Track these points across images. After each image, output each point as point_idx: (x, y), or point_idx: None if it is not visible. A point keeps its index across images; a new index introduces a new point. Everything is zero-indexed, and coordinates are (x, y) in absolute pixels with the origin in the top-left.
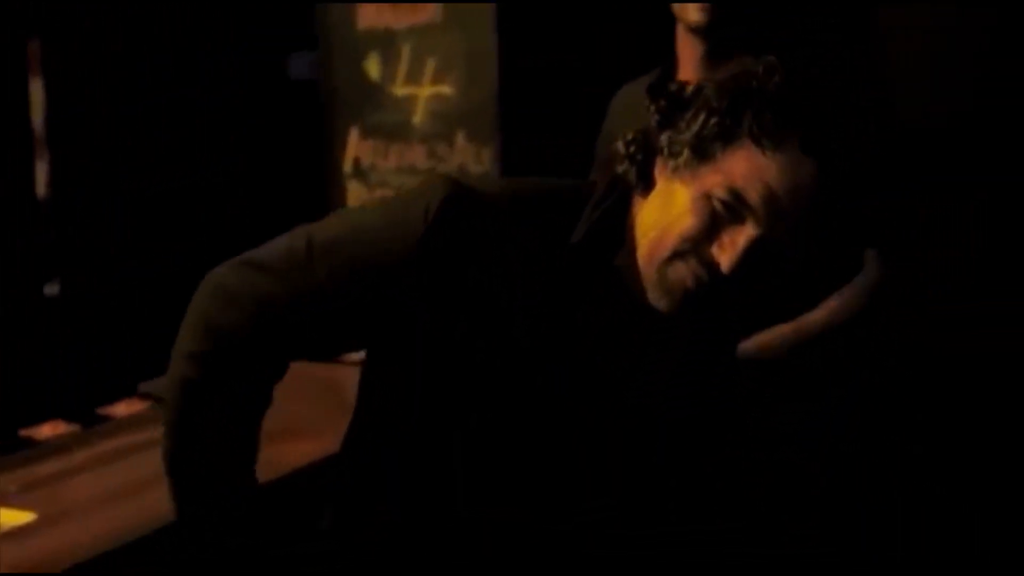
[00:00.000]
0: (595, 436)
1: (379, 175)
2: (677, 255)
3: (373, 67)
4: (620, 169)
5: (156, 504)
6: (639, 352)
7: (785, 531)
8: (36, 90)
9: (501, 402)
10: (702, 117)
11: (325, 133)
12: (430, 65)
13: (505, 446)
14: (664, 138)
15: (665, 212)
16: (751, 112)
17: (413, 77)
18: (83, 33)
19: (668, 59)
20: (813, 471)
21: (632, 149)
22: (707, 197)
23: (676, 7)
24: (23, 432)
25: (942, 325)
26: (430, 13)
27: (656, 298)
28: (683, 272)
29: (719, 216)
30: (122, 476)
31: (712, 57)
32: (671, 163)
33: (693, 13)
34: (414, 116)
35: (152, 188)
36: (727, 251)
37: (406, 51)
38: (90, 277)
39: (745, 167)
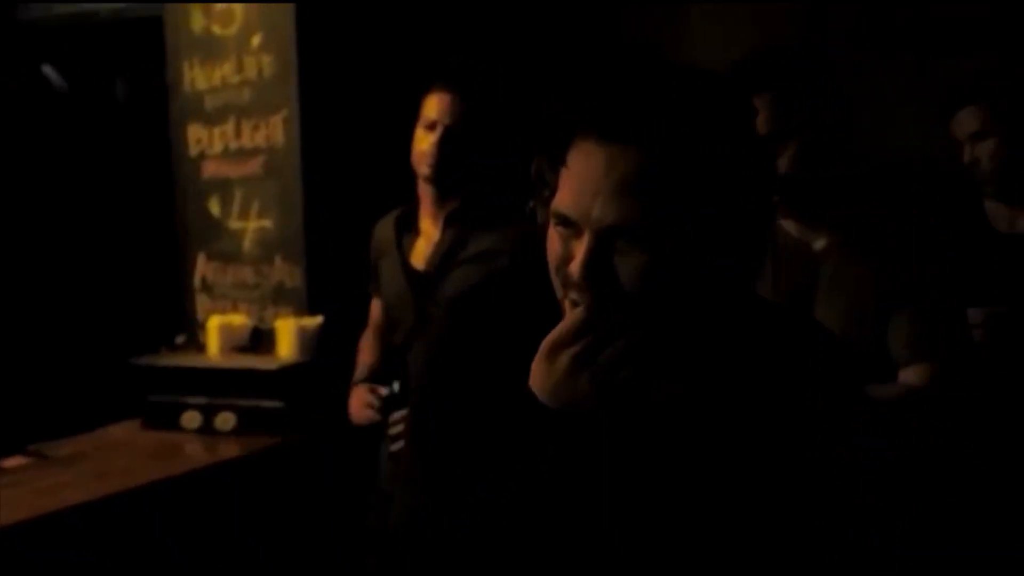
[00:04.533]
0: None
1: (220, 289)
2: (564, 287)
3: (214, 206)
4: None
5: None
6: None
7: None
8: None
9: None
10: (537, 177)
11: (179, 257)
12: (255, 205)
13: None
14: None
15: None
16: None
17: (243, 214)
18: None
19: (412, 198)
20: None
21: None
22: (551, 225)
23: (413, 161)
24: None
25: None
26: (255, 167)
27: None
28: (572, 297)
29: (566, 238)
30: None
31: (440, 198)
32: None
33: (423, 168)
34: (244, 243)
35: (47, 293)
36: (576, 259)
37: (238, 195)
38: None
39: (562, 189)
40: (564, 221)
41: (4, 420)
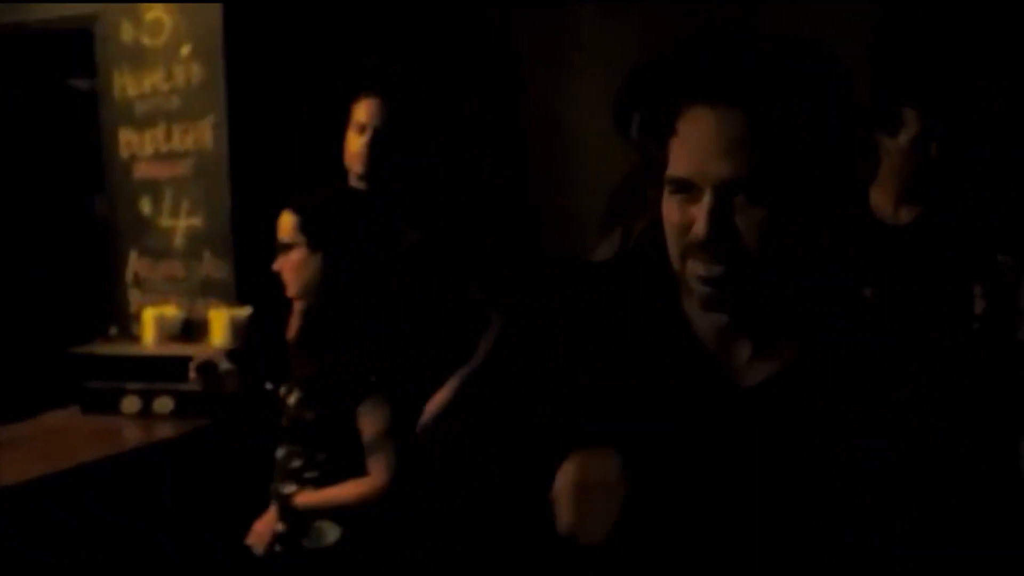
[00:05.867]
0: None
1: (151, 284)
2: (683, 256)
3: (146, 206)
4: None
5: None
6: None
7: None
8: None
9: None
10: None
11: (111, 255)
12: (185, 204)
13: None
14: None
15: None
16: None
17: (174, 213)
18: None
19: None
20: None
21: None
22: (667, 195)
23: (346, 161)
24: None
25: None
26: (185, 168)
27: (691, 307)
28: (693, 266)
29: (684, 204)
30: None
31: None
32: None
33: (357, 168)
34: (175, 240)
35: None
36: (698, 221)
37: (168, 194)
38: None
39: (675, 157)
40: (681, 186)
41: None
